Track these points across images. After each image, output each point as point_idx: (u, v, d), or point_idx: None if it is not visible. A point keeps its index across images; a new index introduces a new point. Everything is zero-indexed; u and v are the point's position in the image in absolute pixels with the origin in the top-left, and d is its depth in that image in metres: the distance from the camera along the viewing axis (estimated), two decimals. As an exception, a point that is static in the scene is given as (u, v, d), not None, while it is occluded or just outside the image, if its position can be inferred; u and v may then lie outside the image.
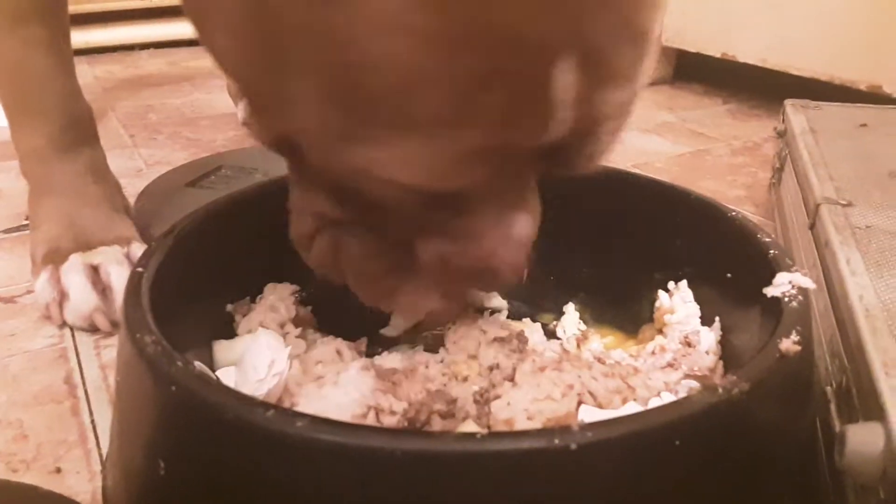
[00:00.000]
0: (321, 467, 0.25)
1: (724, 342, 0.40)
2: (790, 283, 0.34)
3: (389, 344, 0.43)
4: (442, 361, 0.38)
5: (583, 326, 0.46)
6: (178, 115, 1.06)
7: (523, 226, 0.33)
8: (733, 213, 0.41)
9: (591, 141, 0.28)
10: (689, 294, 0.43)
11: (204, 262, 0.41)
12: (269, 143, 0.31)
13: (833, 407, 0.35)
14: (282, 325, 0.42)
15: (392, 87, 0.23)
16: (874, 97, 0.86)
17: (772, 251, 0.37)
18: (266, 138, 0.31)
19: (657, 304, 0.44)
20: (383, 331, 0.43)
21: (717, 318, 0.41)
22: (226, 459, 0.26)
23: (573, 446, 0.24)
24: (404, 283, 0.35)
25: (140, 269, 0.36)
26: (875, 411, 0.30)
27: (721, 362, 0.38)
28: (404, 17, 0.22)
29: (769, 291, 0.34)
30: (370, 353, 0.41)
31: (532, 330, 0.43)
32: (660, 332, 0.43)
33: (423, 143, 0.25)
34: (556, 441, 0.24)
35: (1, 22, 0.54)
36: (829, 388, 0.36)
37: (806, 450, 0.33)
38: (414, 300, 0.35)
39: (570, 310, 0.47)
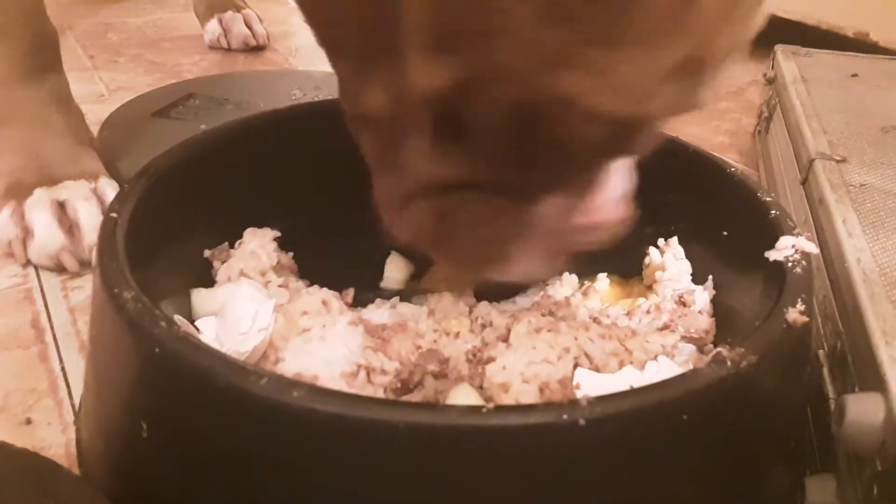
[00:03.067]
0: (318, 439, 0.23)
1: (715, 301, 0.39)
2: (793, 247, 0.33)
3: (378, 294, 0.42)
4: (431, 315, 0.37)
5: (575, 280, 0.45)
6: (140, 36, 1.00)
7: (631, 177, 0.31)
8: (733, 169, 0.40)
9: (708, 77, 0.27)
10: (680, 251, 0.42)
11: (180, 206, 0.39)
12: (419, 98, 0.26)
13: (826, 372, 0.35)
14: (263, 273, 0.40)
15: None
16: (860, 44, 0.85)
17: (773, 211, 0.36)
18: (425, 89, 0.26)
19: (647, 260, 0.43)
20: (383, 284, 0.42)
21: (709, 277, 0.40)
22: (215, 428, 0.25)
23: (581, 421, 0.23)
24: (514, 247, 0.32)
25: (114, 215, 0.33)
26: (874, 381, 0.30)
27: (713, 321, 0.38)
28: None
29: (771, 255, 0.33)
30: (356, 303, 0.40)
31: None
32: (649, 288, 0.43)
33: (636, 61, 0.24)
34: (565, 416, 0.23)
35: None
36: (821, 352, 0.36)
37: (799, 415, 0.33)
38: (526, 264, 0.32)
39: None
